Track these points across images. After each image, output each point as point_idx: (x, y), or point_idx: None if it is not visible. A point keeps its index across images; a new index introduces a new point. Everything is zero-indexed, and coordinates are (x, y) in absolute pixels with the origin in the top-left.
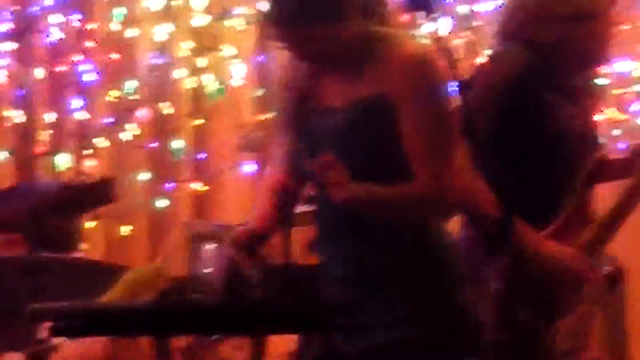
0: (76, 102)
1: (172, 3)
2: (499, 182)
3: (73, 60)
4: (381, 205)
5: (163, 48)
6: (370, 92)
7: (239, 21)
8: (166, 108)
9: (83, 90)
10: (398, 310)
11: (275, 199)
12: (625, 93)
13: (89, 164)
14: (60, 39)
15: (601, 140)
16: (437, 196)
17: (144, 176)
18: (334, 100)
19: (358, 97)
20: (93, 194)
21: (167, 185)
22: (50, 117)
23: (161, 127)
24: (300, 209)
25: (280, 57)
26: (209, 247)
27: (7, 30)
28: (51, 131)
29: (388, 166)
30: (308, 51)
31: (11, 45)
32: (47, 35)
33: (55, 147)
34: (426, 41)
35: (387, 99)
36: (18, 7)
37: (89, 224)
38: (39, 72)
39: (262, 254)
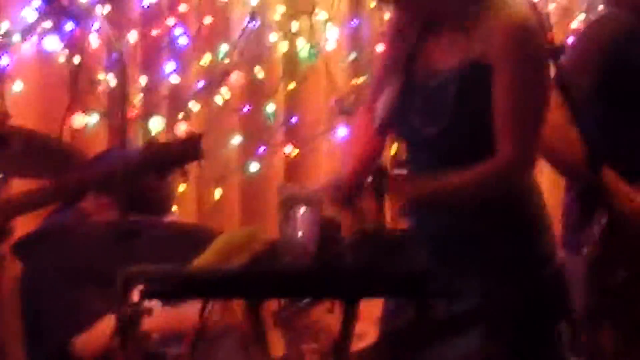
0: (169, 66)
1: None
2: (596, 142)
3: (167, 24)
4: (449, 196)
5: (257, 12)
6: (474, 54)
7: None
8: (259, 72)
9: (176, 54)
10: (491, 276)
11: (366, 149)
12: None
13: (182, 127)
14: (154, 2)
15: None
16: (520, 166)
17: (237, 140)
18: (439, 63)
19: (462, 60)
20: (180, 151)
21: (259, 149)
22: (143, 81)
23: (254, 91)
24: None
25: (374, 21)
26: (302, 210)
27: None
28: (144, 95)
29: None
30: (420, 9)
31: (105, 9)
32: None
33: (148, 111)
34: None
35: (487, 61)
36: None
37: (182, 188)
38: (133, 36)
39: (358, 205)
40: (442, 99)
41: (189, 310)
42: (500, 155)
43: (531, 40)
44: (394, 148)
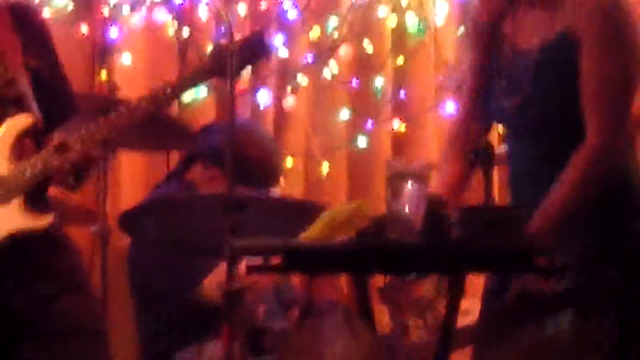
0: (278, 39)
1: None
2: None
3: None
4: (572, 205)
5: None
6: (559, 27)
7: None
8: (368, 46)
9: (285, 27)
10: (589, 255)
11: (464, 144)
12: None
13: (290, 101)
14: None
15: None
16: (611, 150)
17: (344, 114)
18: (527, 40)
19: (549, 37)
20: (246, 50)
21: (367, 123)
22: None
23: (362, 65)
24: (500, 149)
25: None
26: (409, 186)
27: None
28: (252, 68)
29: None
30: None
31: None
32: None
33: (256, 84)
34: None
35: (574, 36)
36: None
37: (289, 162)
38: (242, 9)
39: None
40: (524, 70)
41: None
42: (589, 143)
43: (623, 17)
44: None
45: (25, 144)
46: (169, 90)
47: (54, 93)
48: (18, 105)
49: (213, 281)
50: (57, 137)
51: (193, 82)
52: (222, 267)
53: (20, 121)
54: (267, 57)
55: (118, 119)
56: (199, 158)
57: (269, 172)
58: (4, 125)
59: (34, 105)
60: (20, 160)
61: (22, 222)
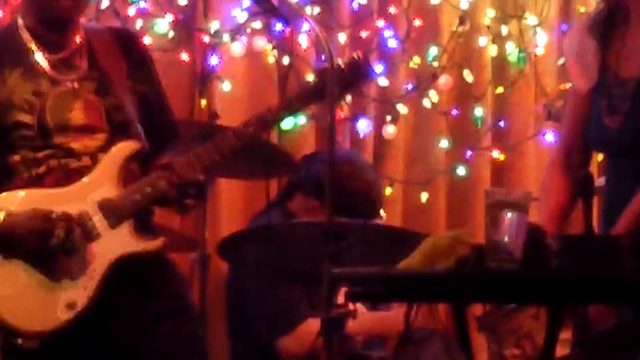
0: (378, 68)
1: None
2: None
3: (376, 26)
4: None
5: (466, 15)
6: None
7: None
8: (468, 75)
9: (385, 56)
10: None
11: (565, 175)
12: None
13: (390, 130)
14: (364, 4)
15: None
16: None
17: (444, 143)
18: (630, 67)
19: None
20: (351, 73)
21: (466, 152)
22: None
23: (462, 94)
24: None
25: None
26: (509, 214)
27: None
28: (352, 97)
29: None
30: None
31: (314, 10)
32: (351, 0)
33: (356, 113)
34: None
35: None
36: None
37: (388, 191)
38: (342, 37)
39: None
40: (625, 91)
41: (393, 313)
42: None
43: None
44: (600, 156)
45: (132, 169)
46: (274, 111)
47: (158, 118)
48: (125, 130)
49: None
50: (164, 161)
51: (299, 104)
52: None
53: (127, 146)
54: (369, 80)
55: (225, 142)
56: (301, 187)
57: (370, 203)
58: (112, 150)
59: (140, 130)
60: (127, 184)
61: (133, 246)
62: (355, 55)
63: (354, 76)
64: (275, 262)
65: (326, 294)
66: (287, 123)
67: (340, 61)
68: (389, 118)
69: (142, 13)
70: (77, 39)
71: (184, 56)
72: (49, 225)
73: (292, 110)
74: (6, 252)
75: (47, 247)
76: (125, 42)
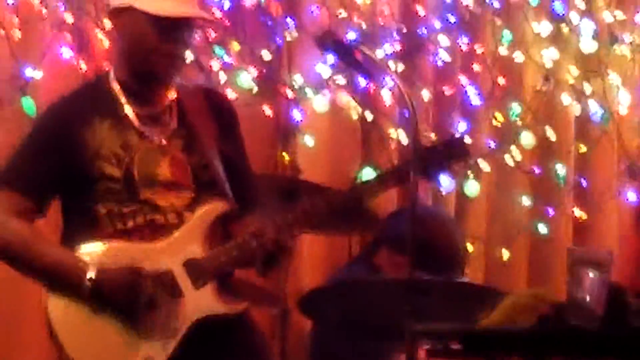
0: (461, 125)
1: (561, 28)
2: None
3: (459, 83)
4: None
5: (550, 73)
6: None
7: (626, 48)
8: (551, 133)
9: (468, 112)
10: None
11: None
12: None
13: (472, 187)
14: (447, 61)
15: None
16: None
17: (526, 201)
18: None
19: None
20: (447, 151)
21: (548, 210)
22: (434, 138)
23: (545, 152)
24: None
25: None
26: (591, 274)
27: (395, 50)
28: None
29: None
30: None
31: (398, 66)
32: (434, 57)
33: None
34: None
35: None
36: (405, 28)
37: (470, 248)
38: (425, 94)
39: None
40: None
41: None
42: None
43: None
44: None
45: (217, 228)
46: (367, 187)
47: (240, 179)
48: (211, 188)
49: None
50: (252, 224)
51: (392, 182)
52: None
53: (216, 207)
54: (466, 160)
55: (313, 208)
56: (386, 244)
57: (454, 260)
58: (199, 211)
59: (227, 189)
60: (212, 244)
61: (216, 307)
62: (454, 135)
63: (450, 155)
64: (357, 318)
65: (407, 351)
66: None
67: (435, 139)
68: (471, 175)
69: (226, 67)
70: (169, 96)
71: (267, 110)
72: (138, 281)
73: (385, 188)
74: (97, 305)
75: (134, 303)
76: (215, 102)
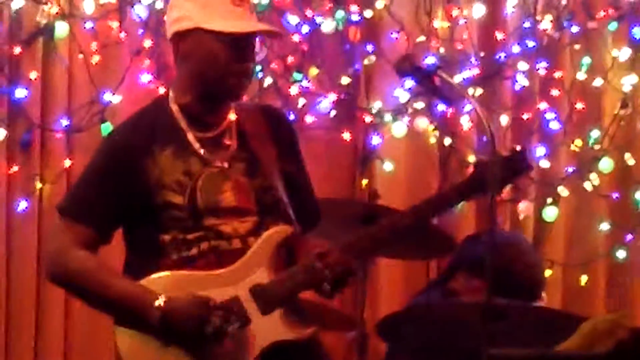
0: (539, 150)
1: None
2: None
3: (538, 108)
4: None
5: (629, 98)
6: None
7: None
8: (629, 159)
9: (546, 138)
10: None
11: None
12: None
13: (550, 212)
14: (526, 86)
15: None
16: None
17: (605, 226)
18: None
19: None
20: (509, 166)
21: (627, 236)
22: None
23: (624, 178)
24: None
25: None
26: None
27: (473, 75)
28: None
29: None
30: None
31: (477, 91)
32: (513, 82)
33: (517, 194)
34: None
35: None
36: (484, 53)
37: (547, 273)
38: (504, 119)
39: None
40: None
41: None
42: None
43: None
44: None
45: (282, 252)
46: (431, 206)
47: (303, 198)
48: (274, 211)
49: None
50: (317, 248)
51: (457, 199)
52: None
53: (280, 231)
54: (528, 174)
55: (379, 232)
56: (463, 268)
57: (532, 286)
58: (264, 235)
59: (290, 212)
60: (277, 268)
61: (284, 334)
62: (516, 148)
63: (513, 170)
64: (434, 343)
65: None
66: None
67: (500, 153)
68: (549, 200)
69: (304, 92)
70: (228, 118)
71: (346, 135)
72: (206, 312)
73: (451, 204)
74: (166, 336)
75: (203, 334)
76: (274, 120)
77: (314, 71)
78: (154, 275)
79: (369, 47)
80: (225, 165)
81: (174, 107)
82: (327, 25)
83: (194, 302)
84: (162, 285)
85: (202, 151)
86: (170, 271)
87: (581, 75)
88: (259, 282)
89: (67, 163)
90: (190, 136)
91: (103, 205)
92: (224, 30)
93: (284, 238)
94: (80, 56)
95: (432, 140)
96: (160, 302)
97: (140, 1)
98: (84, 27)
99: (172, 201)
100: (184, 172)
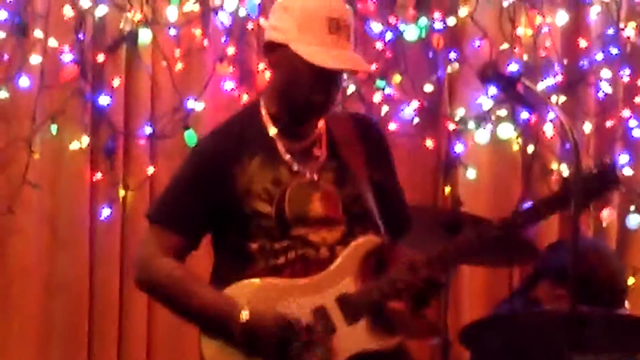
0: (623, 158)
1: None
2: None
3: (621, 115)
4: None
5: None
6: None
7: None
8: None
9: (630, 145)
10: None
11: None
12: None
13: (634, 219)
14: (609, 93)
15: None
16: None
17: None
18: None
19: None
20: (597, 181)
21: None
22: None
23: None
24: None
25: None
26: None
27: (556, 83)
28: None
29: None
30: None
31: (560, 98)
32: (597, 89)
33: (600, 202)
34: None
35: None
36: (567, 60)
37: (631, 280)
38: (587, 126)
39: None
40: None
41: None
42: None
43: None
44: None
45: (370, 262)
46: (520, 218)
47: (393, 207)
48: (363, 221)
49: None
50: (404, 257)
51: (546, 212)
52: None
53: (368, 242)
54: (617, 188)
55: (467, 244)
56: (546, 276)
57: (615, 293)
58: (352, 245)
59: (379, 222)
60: (364, 277)
61: (369, 343)
62: (604, 161)
63: (603, 184)
64: (517, 351)
65: None
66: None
67: (590, 167)
68: (632, 208)
69: (387, 99)
70: (318, 127)
71: (429, 142)
72: (291, 334)
73: (540, 217)
74: (249, 348)
75: (285, 354)
76: (364, 129)
77: (397, 78)
78: (243, 282)
79: (452, 55)
80: (315, 177)
81: (265, 115)
82: (411, 33)
83: (278, 321)
84: (249, 292)
85: (291, 161)
86: (257, 279)
87: None
88: (346, 291)
89: (151, 170)
90: (280, 145)
91: (192, 213)
92: (309, 61)
93: (372, 248)
94: (164, 63)
95: (515, 147)
96: (244, 316)
97: (223, 8)
98: (168, 34)
99: (260, 210)
100: (273, 181)
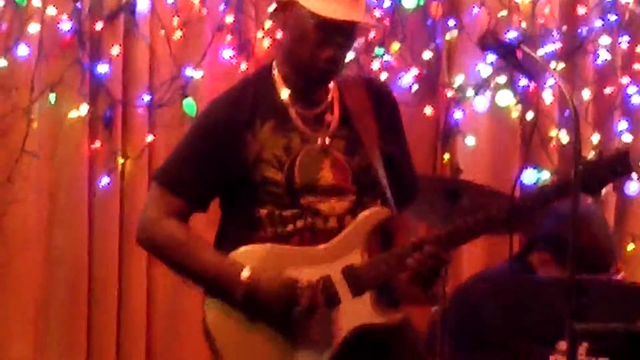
0: (622, 125)
1: None
2: None
3: (620, 82)
4: None
5: None
6: None
7: None
8: None
9: (629, 112)
10: None
11: None
12: None
13: (632, 187)
14: (608, 60)
15: None
16: None
17: None
18: None
19: None
20: (609, 167)
21: None
22: (595, 138)
23: None
24: None
25: None
26: None
27: (555, 50)
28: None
29: None
30: None
31: (559, 65)
32: (595, 57)
33: None
34: None
35: None
36: (566, 28)
37: (631, 246)
38: (586, 93)
39: None
40: None
41: None
42: None
43: None
44: None
45: (377, 234)
46: (529, 203)
47: (402, 177)
48: (372, 191)
49: None
50: (413, 232)
51: (556, 197)
52: None
53: (377, 213)
54: (629, 176)
55: (474, 225)
56: (535, 242)
57: (597, 257)
58: (360, 216)
59: (388, 193)
60: (371, 250)
61: (373, 317)
62: (621, 149)
63: (615, 170)
64: (515, 318)
65: (569, 350)
66: (529, 178)
67: (597, 154)
68: (636, 176)
69: (386, 67)
70: (330, 93)
71: (428, 110)
72: (295, 294)
73: (548, 201)
74: (251, 312)
75: (290, 315)
76: (378, 97)
77: (395, 46)
78: (251, 247)
79: (451, 22)
80: (327, 141)
81: (278, 80)
82: (409, 1)
83: (280, 282)
84: (257, 257)
85: (303, 127)
86: (264, 244)
87: None
88: (352, 263)
89: (149, 139)
90: (292, 111)
91: (199, 179)
92: (316, 12)
93: (380, 220)
94: (162, 32)
95: (514, 114)
96: (245, 273)
97: None
98: (166, 3)
99: (270, 177)
100: (284, 148)
